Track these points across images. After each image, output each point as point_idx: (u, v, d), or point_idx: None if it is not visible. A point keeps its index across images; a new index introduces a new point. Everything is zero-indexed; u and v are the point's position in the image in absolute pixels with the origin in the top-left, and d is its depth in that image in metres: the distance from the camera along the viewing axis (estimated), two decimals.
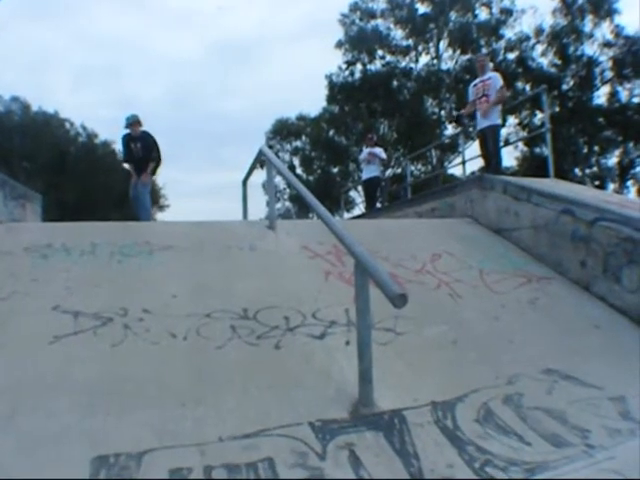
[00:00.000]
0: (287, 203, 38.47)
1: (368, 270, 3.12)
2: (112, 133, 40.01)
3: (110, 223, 6.09)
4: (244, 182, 7.57)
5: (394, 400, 3.20)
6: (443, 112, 34.03)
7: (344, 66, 33.99)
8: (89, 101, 60.98)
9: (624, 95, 32.60)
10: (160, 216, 42.60)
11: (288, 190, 35.98)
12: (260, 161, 6.49)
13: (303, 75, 69.04)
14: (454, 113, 9.31)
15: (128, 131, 9.43)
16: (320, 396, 3.22)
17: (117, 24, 63.34)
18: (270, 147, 33.79)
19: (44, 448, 2.59)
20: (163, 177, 45.42)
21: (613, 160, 34.15)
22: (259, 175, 7.73)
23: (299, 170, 37.39)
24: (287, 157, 38.09)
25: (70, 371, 3.26)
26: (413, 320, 4.22)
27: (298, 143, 39.23)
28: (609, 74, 32.43)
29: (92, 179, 34.84)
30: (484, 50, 31.14)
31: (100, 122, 64.00)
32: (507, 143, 24.31)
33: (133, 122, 9.35)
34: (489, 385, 3.56)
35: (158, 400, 3.05)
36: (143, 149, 9.31)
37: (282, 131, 39.13)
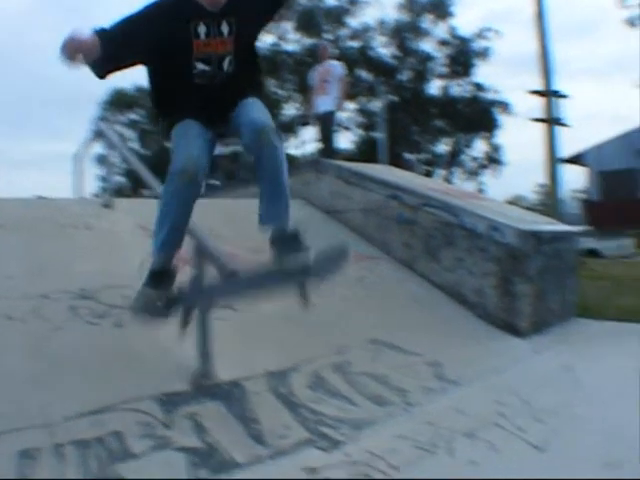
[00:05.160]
0: (120, 178, 36.95)
1: (204, 249, 3.31)
2: None
3: None
4: (77, 158, 7.20)
5: (233, 372, 3.40)
6: (284, 92, 34.54)
7: None
8: None
9: (456, 90, 35.77)
10: None
11: (122, 165, 34.64)
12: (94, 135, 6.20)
13: None
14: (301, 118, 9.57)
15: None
16: (163, 371, 3.33)
17: None
18: (104, 119, 32.33)
19: None
20: None
21: (443, 147, 37.26)
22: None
23: (135, 144, 36.16)
24: (123, 130, 36.67)
25: None
26: None
27: (134, 115, 37.91)
28: (443, 70, 35.10)
29: None
30: (329, 36, 32.06)
31: None
32: (345, 128, 25.35)
33: None
34: (320, 355, 3.90)
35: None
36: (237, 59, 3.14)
37: (118, 102, 37.58)
